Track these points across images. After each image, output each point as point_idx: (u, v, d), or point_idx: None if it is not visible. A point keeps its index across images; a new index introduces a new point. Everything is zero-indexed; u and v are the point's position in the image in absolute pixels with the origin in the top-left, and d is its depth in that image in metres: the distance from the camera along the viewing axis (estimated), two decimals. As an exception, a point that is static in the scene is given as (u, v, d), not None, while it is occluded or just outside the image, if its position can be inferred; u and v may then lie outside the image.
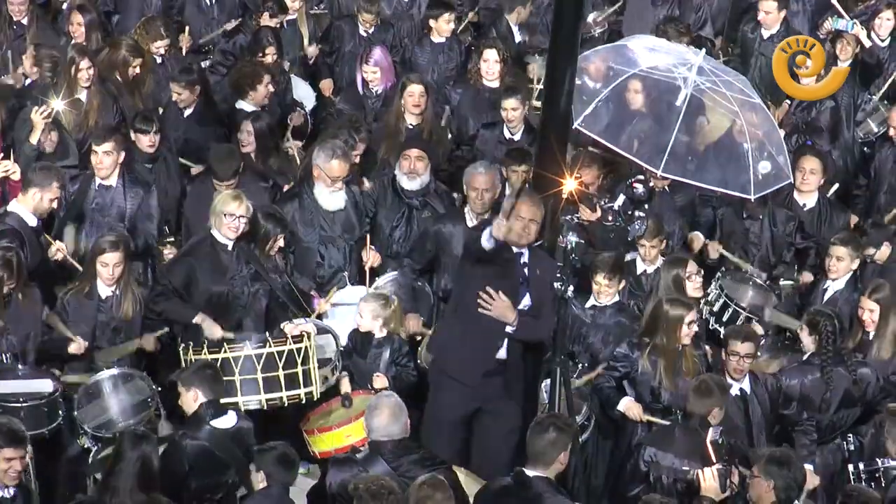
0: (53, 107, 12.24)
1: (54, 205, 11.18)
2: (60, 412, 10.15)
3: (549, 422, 8.79)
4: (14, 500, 8.60)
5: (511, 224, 9.70)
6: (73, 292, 10.72)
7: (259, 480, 8.82)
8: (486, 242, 9.60)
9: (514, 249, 9.98)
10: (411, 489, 8.40)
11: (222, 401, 9.56)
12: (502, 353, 10.08)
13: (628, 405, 10.36)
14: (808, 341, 10.48)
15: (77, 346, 10.49)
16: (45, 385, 10.16)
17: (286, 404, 10.25)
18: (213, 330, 10.52)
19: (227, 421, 9.38)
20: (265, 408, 10.13)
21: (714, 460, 8.98)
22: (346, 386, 10.58)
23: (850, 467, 10.08)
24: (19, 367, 10.31)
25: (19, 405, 9.89)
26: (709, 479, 8.84)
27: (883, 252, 11.80)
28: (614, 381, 10.47)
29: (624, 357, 10.49)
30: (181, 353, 10.35)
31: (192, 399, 9.36)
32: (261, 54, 13.85)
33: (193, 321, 10.58)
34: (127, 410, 10.40)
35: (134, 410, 10.39)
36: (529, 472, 8.63)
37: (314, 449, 10.15)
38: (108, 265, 10.63)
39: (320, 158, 11.56)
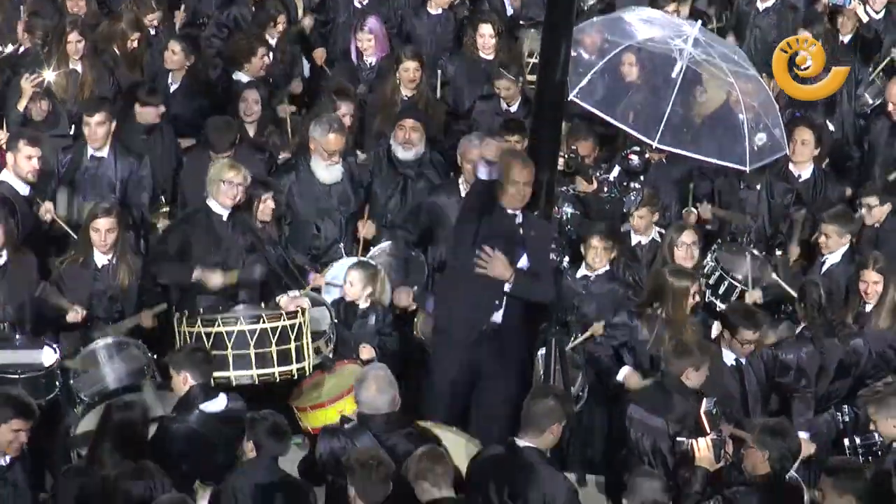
0: (45, 77, 12.27)
1: (34, 163, 11.11)
2: (58, 383, 10.16)
3: (546, 391, 8.83)
4: (11, 467, 8.60)
5: (505, 187, 9.84)
6: (69, 261, 10.71)
7: (249, 450, 8.76)
8: (482, 175, 9.76)
9: (509, 210, 10.02)
10: (410, 461, 8.41)
11: (215, 374, 9.55)
12: (497, 317, 10.08)
13: (627, 375, 10.33)
14: (801, 312, 10.47)
15: (74, 314, 10.48)
16: (43, 356, 10.16)
17: (278, 380, 10.23)
18: (213, 279, 10.50)
19: (218, 404, 9.32)
20: (256, 383, 10.10)
21: (708, 430, 9.03)
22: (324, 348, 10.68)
23: (847, 441, 10.09)
24: (17, 336, 10.33)
25: (17, 376, 9.91)
26: (703, 450, 8.89)
27: (882, 210, 11.71)
28: (612, 349, 10.44)
29: (623, 325, 10.44)
30: (175, 324, 10.32)
31: (181, 382, 9.31)
32: (272, 24, 13.84)
33: (192, 279, 10.53)
34: (123, 379, 10.37)
35: (130, 378, 10.36)
36: (521, 443, 8.64)
37: (307, 425, 10.14)
38: (101, 231, 10.61)
39: (317, 132, 11.55)
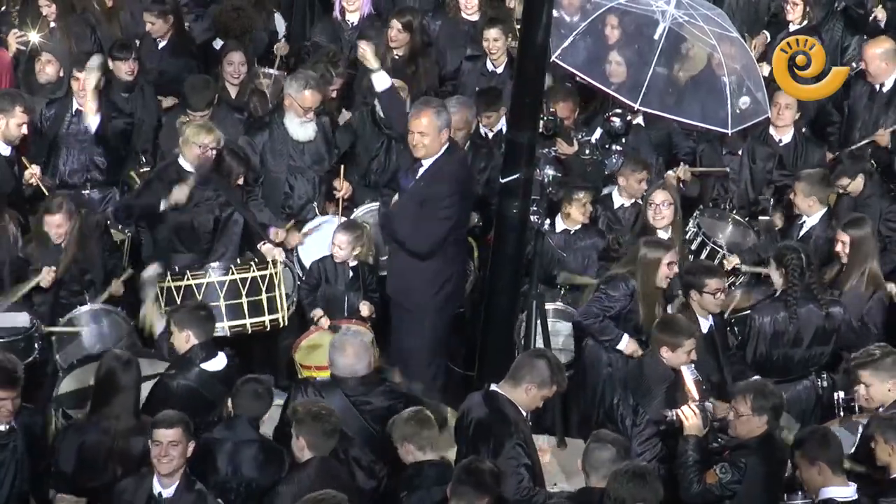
0: (30, 38, 12.32)
1: (23, 130, 11.14)
2: (36, 346, 10.17)
3: (543, 353, 8.96)
4: (10, 434, 8.59)
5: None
6: (35, 235, 10.68)
7: (229, 408, 8.91)
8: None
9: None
10: (397, 423, 8.50)
11: None
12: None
13: (628, 345, 10.32)
14: (775, 276, 10.37)
15: (47, 278, 10.42)
16: (21, 319, 10.14)
17: (250, 331, 10.33)
18: (179, 192, 10.57)
19: (218, 363, 9.40)
20: (228, 335, 10.17)
21: (696, 397, 8.97)
22: (325, 321, 10.72)
23: (835, 396, 9.99)
24: (-6, 299, 10.34)
25: (-3, 340, 9.90)
26: (691, 417, 8.81)
27: (857, 184, 11.72)
28: (605, 318, 10.32)
29: (625, 296, 10.31)
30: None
31: (183, 340, 9.35)
32: None
33: (164, 202, 10.57)
34: (106, 347, 10.30)
35: (112, 347, 10.24)
36: (494, 387, 8.77)
37: None
38: (51, 227, 10.59)
39: (292, 88, 11.53)
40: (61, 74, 12.31)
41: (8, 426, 8.54)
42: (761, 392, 8.75)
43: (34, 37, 12.40)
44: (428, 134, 10.31)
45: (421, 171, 10.49)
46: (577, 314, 10.52)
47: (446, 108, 10.51)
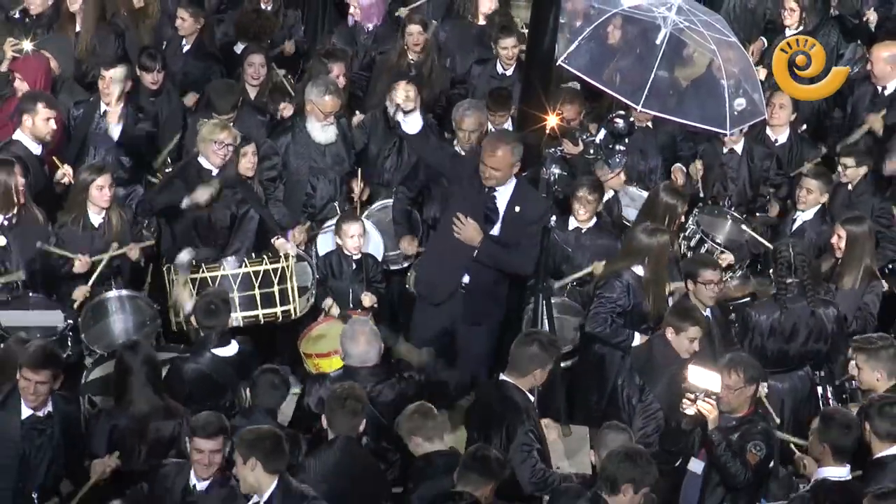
0: (24, 46, 12.33)
1: (51, 125, 11.23)
2: (70, 343, 10.33)
3: (532, 338, 9.00)
4: (48, 419, 8.77)
5: (481, 164, 10.23)
6: (67, 222, 10.76)
7: (245, 399, 9.19)
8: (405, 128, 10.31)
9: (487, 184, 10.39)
10: (402, 418, 8.70)
11: None
12: (465, 278, 10.44)
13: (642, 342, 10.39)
14: (774, 274, 10.46)
15: (80, 264, 10.50)
16: (55, 318, 10.29)
17: (262, 322, 10.54)
18: (200, 195, 10.77)
19: (229, 350, 9.65)
20: (241, 325, 10.38)
21: (715, 390, 8.78)
22: (336, 309, 10.97)
23: (819, 389, 10.31)
24: (30, 294, 10.47)
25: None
26: (712, 410, 8.73)
27: (857, 172, 11.81)
28: (611, 318, 10.43)
29: (622, 292, 10.42)
30: (164, 272, 10.65)
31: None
32: None
33: (183, 206, 10.79)
34: (130, 331, 10.58)
35: (136, 330, 10.57)
36: (503, 376, 8.96)
37: (312, 370, 10.40)
38: (104, 187, 10.67)
39: (313, 94, 11.79)
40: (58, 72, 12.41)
41: (45, 412, 8.71)
42: (749, 363, 8.92)
43: (27, 45, 12.38)
44: (500, 169, 10.26)
45: (505, 196, 10.43)
46: (587, 324, 10.57)
47: (520, 142, 10.40)
